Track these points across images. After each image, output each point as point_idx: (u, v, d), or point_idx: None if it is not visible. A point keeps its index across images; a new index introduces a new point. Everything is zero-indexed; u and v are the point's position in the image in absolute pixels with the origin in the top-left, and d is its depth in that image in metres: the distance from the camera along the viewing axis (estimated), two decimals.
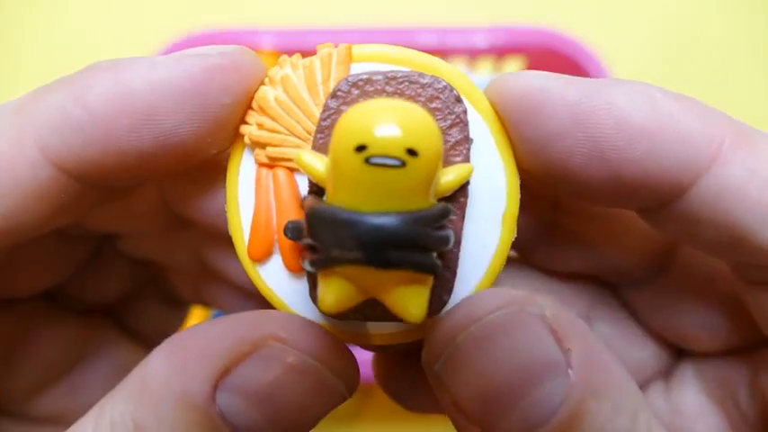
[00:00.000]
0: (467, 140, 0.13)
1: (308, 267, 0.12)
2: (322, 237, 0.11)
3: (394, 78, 0.13)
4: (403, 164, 0.10)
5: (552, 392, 0.11)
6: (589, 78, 0.13)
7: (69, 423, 0.13)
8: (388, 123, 0.10)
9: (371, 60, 0.13)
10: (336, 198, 0.11)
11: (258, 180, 0.13)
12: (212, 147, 0.13)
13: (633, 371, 0.16)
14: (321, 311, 0.12)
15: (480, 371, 0.11)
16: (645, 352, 0.18)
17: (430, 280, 0.11)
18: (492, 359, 0.11)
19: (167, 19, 0.48)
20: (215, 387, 0.12)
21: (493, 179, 0.13)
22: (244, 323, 0.12)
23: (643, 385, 0.19)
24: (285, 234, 0.12)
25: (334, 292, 0.11)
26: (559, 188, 0.14)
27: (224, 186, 0.14)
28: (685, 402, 0.17)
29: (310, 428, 0.13)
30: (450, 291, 0.13)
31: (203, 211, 0.16)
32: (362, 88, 0.13)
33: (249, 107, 0.13)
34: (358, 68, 0.13)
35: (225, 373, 0.12)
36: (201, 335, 0.12)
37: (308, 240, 0.11)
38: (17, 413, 0.19)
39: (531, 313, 0.11)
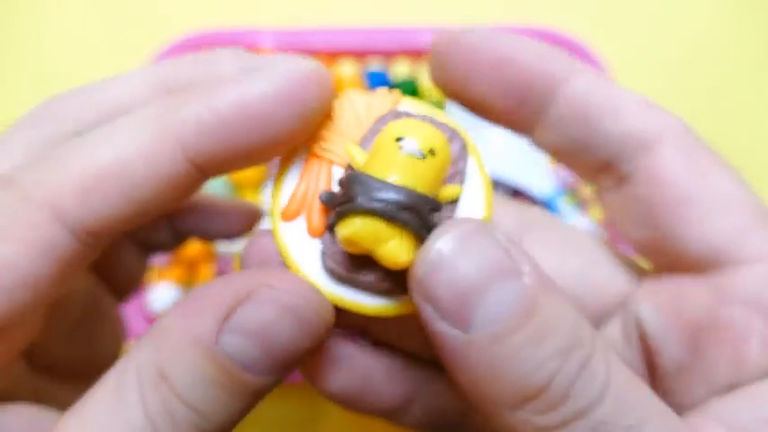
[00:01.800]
0: (460, 174, 0.17)
1: (333, 217, 0.15)
2: (354, 190, 0.15)
3: (427, 119, 0.17)
4: (424, 156, 0.15)
5: (511, 290, 0.14)
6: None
7: (92, 377, 0.15)
8: (424, 131, 0.16)
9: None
10: (370, 171, 0.15)
11: (307, 165, 0.17)
12: (295, 141, 0.17)
13: None
14: (340, 243, 0.16)
15: (453, 271, 0.14)
16: None
17: (418, 243, 0.15)
18: (462, 263, 0.14)
19: (167, 19, 0.48)
20: (221, 329, 0.14)
21: (476, 197, 0.18)
22: (242, 276, 0.15)
23: None
24: (320, 198, 0.16)
25: (349, 228, 0.15)
26: (480, 113, 0.20)
27: None
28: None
29: (299, 362, 0.15)
30: None
31: None
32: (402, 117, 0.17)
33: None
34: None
35: (227, 316, 0.14)
36: (209, 288, 0.15)
37: (340, 199, 0.15)
38: (54, 371, 0.21)
39: (490, 233, 0.15)
